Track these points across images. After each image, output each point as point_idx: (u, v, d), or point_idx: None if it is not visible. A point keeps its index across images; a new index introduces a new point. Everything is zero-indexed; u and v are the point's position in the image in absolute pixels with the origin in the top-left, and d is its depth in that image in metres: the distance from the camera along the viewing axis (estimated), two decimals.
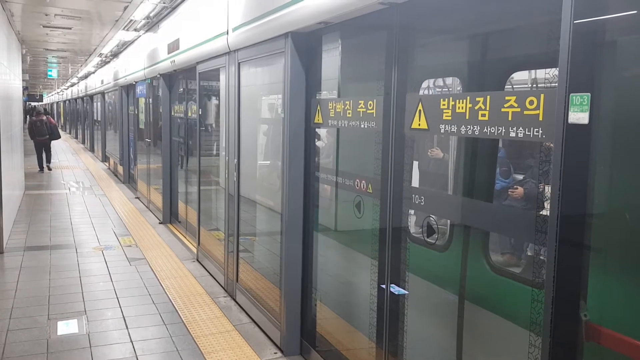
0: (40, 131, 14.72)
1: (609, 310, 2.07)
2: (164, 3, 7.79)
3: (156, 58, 8.81)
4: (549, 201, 1.97)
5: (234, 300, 5.37)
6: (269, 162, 5.19)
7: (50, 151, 15.59)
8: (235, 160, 5.25)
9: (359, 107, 3.32)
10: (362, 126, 3.30)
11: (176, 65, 7.42)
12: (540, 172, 2.18)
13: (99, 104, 19.53)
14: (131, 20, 9.29)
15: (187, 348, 4.30)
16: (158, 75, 8.91)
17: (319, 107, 3.89)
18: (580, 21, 1.87)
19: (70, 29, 10.94)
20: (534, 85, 3.38)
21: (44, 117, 15.35)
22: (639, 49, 1.96)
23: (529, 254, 3.34)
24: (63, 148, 23.27)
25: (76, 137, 29.59)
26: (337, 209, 4.08)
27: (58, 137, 16.16)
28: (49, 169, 15.18)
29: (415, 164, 4.35)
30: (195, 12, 6.55)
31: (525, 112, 2.15)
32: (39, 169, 14.95)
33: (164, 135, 8.99)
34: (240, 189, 5.28)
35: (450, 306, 3.13)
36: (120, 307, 5.15)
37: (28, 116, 17.27)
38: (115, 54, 14.47)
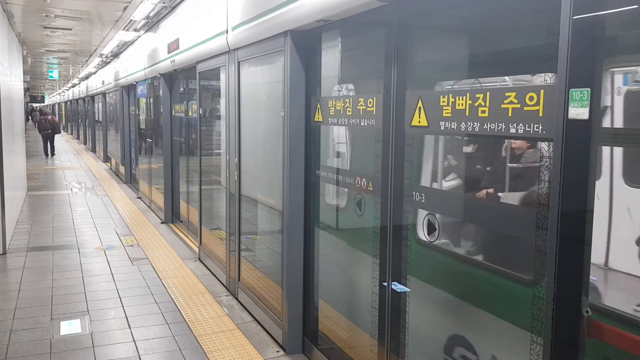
0: (44, 127, 20.14)
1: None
2: (164, 3, 7.78)
3: (156, 58, 8.81)
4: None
5: (236, 299, 5.38)
6: (270, 160, 5.18)
7: (53, 142, 20.48)
8: (236, 159, 5.25)
9: (359, 104, 3.32)
10: (363, 124, 3.30)
11: (176, 64, 7.41)
12: (541, 166, 2.17)
13: (100, 104, 19.63)
14: (131, 21, 9.30)
15: (189, 347, 4.31)
16: (158, 75, 8.91)
17: (319, 105, 3.89)
18: (579, 17, 1.86)
19: (71, 29, 10.95)
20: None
21: (49, 117, 20.79)
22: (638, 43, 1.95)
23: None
24: (65, 149, 23.31)
25: (78, 138, 29.63)
26: (338, 207, 4.08)
27: (59, 131, 21.63)
28: (52, 155, 20.13)
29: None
30: (194, 12, 6.55)
31: (525, 108, 2.14)
32: (45, 156, 19.79)
33: (164, 135, 8.99)
34: (241, 188, 5.29)
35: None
36: (122, 306, 5.16)
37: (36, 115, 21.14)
38: (115, 55, 14.49)
